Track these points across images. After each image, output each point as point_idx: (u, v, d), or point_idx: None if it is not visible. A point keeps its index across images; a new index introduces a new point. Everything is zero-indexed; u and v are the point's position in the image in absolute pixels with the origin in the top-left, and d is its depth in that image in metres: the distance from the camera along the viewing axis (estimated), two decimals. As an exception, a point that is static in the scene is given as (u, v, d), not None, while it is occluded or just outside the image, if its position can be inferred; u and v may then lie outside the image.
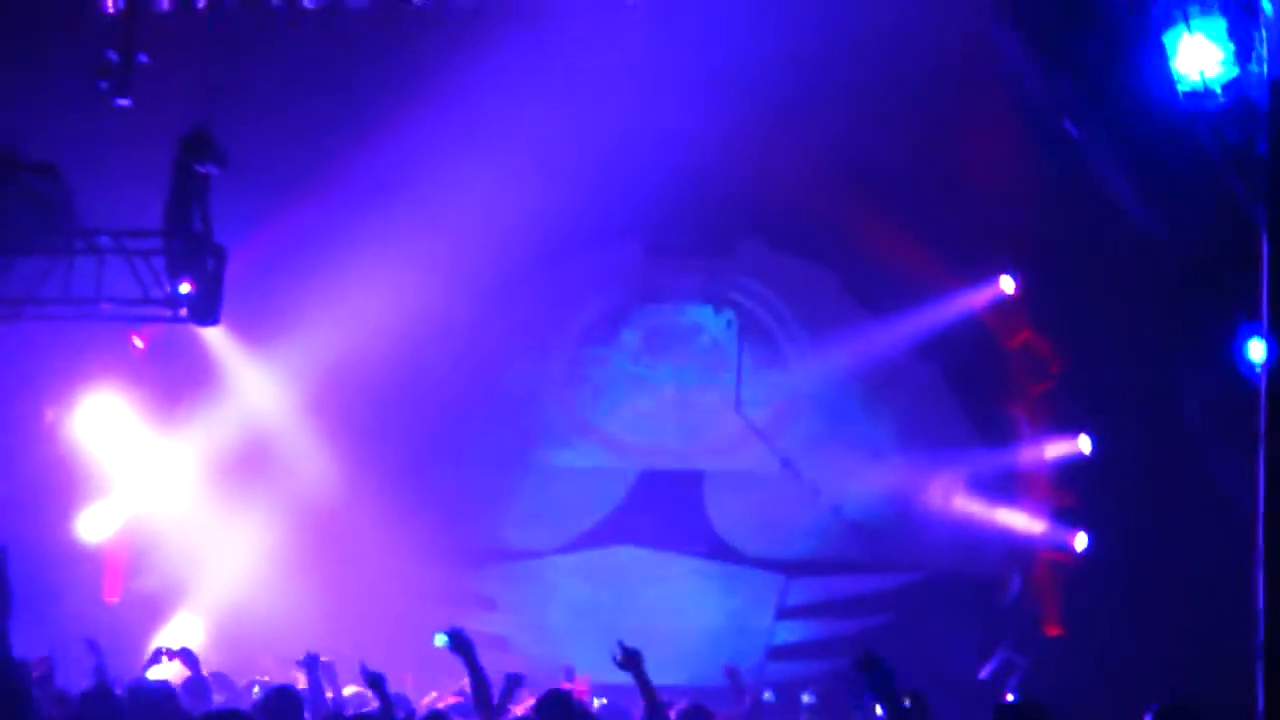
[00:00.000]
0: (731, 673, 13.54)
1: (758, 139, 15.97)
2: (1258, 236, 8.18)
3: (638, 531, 17.74)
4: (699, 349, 17.94)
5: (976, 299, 16.85)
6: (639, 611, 16.84)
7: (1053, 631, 16.33)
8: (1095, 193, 14.02)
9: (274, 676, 12.74)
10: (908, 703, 6.78)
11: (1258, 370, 8.34)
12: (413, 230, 15.95)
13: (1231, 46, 8.63)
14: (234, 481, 17.11)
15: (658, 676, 8.62)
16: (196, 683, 11.22)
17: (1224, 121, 8.60)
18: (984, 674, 15.81)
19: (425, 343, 16.70)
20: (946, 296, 16.80)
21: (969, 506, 16.90)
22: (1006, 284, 16.72)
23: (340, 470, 17.27)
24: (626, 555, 17.67)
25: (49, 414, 16.76)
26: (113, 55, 12.98)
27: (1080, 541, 16.15)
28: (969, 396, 17.29)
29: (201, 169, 13.27)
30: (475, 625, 10.53)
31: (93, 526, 16.92)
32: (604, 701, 12.12)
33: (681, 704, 9.61)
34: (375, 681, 9.35)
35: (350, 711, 10.44)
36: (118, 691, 9.32)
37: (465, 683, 9.61)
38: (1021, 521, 16.69)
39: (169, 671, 11.89)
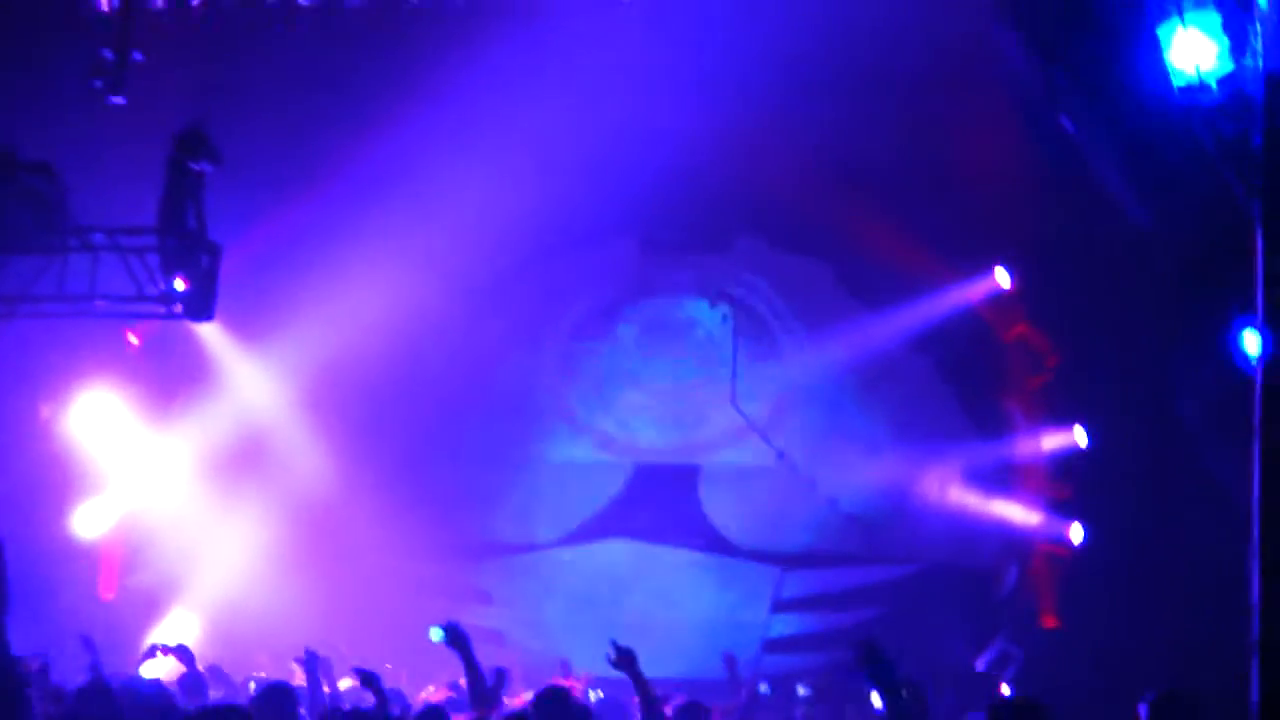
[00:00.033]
0: (729, 660, 13.57)
1: (753, 135, 15.97)
2: (1252, 230, 8.17)
3: (634, 525, 17.76)
4: (694, 343, 17.95)
5: (972, 292, 16.87)
6: (635, 605, 16.87)
7: (1049, 623, 16.35)
8: (1090, 186, 14.03)
9: (269, 672, 12.75)
10: (904, 694, 6.78)
11: (1253, 363, 8.33)
12: (408, 227, 15.96)
13: (1226, 40, 8.62)
14: (229, 478, 17.12)
15: (654, 669, 8.61)
16: (192, 678, 11.22)
17: (1219, 115, 8.59)
18: (980, 665, 15.87)
19: (420, 338, 16.71)
20: (942, 290, 16.83)
21: (965, 499, 16.92)
22: (1002, 277, 16.73)
23: (335, 466, 17.28)
24: (622, 549, 17.69)
25: (44, 411, 16.74)
26: (107, 53, 13.01)
27: (1076, 533, 16.16)
28: (965, 389, 17.31)
29: (196, 166, 13.30)
30: (471, 619, 10.49)
31: (88, 523, 16.90)
32: (601, 694, 12.13)
33: (678, 700, 9.60)
34: (369, 679, 9.36)
35: (348, 706, 10.43)
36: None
37: (462, 681, 9.60)
38: (1017, 514, 16.71)
39: (164, 667, 11.90)
